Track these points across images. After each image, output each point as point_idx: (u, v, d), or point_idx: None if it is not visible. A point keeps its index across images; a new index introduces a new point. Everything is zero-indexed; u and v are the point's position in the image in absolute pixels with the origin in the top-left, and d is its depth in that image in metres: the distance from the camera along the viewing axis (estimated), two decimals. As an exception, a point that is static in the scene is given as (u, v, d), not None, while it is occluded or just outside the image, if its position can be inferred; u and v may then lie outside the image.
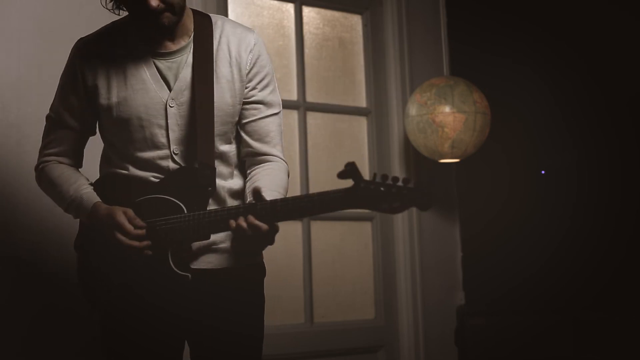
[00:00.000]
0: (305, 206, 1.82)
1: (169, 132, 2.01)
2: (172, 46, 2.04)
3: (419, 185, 1.71)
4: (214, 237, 2.01)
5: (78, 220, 2.14)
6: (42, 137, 2.16)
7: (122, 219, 1.94)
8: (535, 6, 3.89)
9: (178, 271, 1.95)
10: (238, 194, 2.09)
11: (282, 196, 1.97)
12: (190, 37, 2.05)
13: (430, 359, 3.50)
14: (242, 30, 2.10)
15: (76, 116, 2.09)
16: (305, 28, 3.49)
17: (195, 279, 1.99)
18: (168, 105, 2.01)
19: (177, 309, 2.01)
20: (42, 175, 2.13)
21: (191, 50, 2.04)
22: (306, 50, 3.47)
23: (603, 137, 3.85)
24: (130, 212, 1.96)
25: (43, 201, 2.52)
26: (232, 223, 1.85)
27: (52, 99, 2.15)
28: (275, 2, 3.42)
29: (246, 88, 2.07)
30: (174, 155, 2.01)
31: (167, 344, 2.04)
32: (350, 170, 1.73)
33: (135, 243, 1.93)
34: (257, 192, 1.87)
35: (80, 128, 2.11)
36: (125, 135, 2.02)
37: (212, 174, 2.00)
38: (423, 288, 3.53)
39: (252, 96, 2.08)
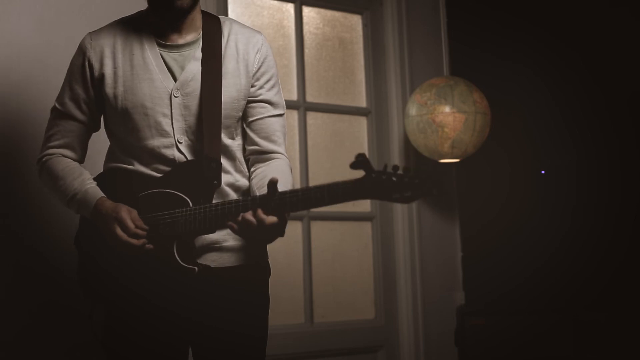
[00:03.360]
0: (315, 197, 1.80)
1: (173, 121, 2.02)
2: (179, 39, 2.07)
3: (428, 175, 1.72)
4: (217, 235, 2.02)
5: (78, 216, 2.13)
6: (46, 129, 2.15)
7: (126, 215, 1.94)
8: (535, 6, 3.89)
9: (184, 264, 1.95)
10: (240, 189, 2.09)
11: None
12: (198, 33, 2.08)
13: (430, 359, 3.50)
14: (250, 31, 2.15)
15: (82, 107, 2.10)
16: (305, 28, 3.49)
17: (198, 278, 1.99)
18: (173, 95, 2.02)
19: (180, 310, 2.01)
20: (44, 168, 2.12)
21: (199, 46, 2.06)
22: (306, 50, 3.47)
23: (603, 136, 3.85)
24: (135, 212, 1.96)
25: (43, 199, 2.53)
26: (239, 217, 1.85)
27: (53, 98, 2.15)
28: (275, 2, 3.42)
29: (253, 86, 2.09)
30: (178, 144, 2.01)
31: (171, 345, 2.04)
32: (361, 161, 1.73)
33: (133, 240, 1.93)
34: (273, 184, 1.85)
35: (85, 120, 2.11)
36: (130, 124, 2.03)
37: (218, 167, 2.00)
38: (423, 288, 3.53)
39: (259, 95, 2.11)
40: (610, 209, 3.77)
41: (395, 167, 1.74)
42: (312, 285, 3.34)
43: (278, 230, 1.87)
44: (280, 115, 2.15)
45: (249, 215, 1.84)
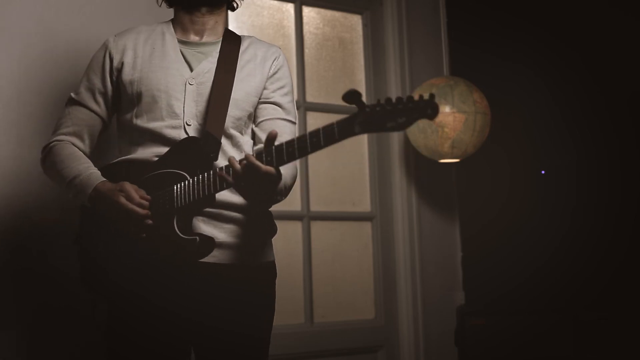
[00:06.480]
0: (312, 142, 1.78)
1: (185, 105, 2.05)
2: (199, 40, 2.15)
3: (421, 98, 1.67)
4: (218, 232, 2.02)
5: (79, 215, 2.13)
6: (58, 119, 2.18)
7: (129, 187, 1.96)
8: (535, 6, 3.89)
9: (184, 236, 1.95)
10: None
11: (289, 176, 2.03)
12: (219, 38, 2.16)
13: (430, 359, 3.50)
14: (269, 44, 2.22)
15: (97, 98, 2.14)
16: (305, 28, 3.49)
17: (198, 278, 1.99)
18: (188, 83, 2.07)
19: (180, 310, 2.02)
20: (50, 153, 2.12)
21: (218, 47, 2.13)
22: (306, 50, 3.47)
23: (603, 136, 3.85)
24: (136, 186, 1.98)
25: (44, 200, 2.53)
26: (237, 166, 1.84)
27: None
28: (275, 2, 3.42)
29: (266, 89, 2.14)
30: (186, 126, 2.04)
31: (171, 345, 2.04)
32: (354, 95, 1.68)
33: (137, 209, 1.94)
34: (271, 138, 1.82)
35: (98, 111, 2.15)
36: (142, 106, 2.07)
37: (217, 144, 2.02)
38: (423, 288, 3.53)
39: (272, 97, 2.14)
40: (610, 209, 3.77)
41: (388, 99, 1.69)
42: (312, 285, 3.34)
43: (272, 184, 1.86)
44: (291, 122, 2.17)
45: (244, 163, 1.82)
